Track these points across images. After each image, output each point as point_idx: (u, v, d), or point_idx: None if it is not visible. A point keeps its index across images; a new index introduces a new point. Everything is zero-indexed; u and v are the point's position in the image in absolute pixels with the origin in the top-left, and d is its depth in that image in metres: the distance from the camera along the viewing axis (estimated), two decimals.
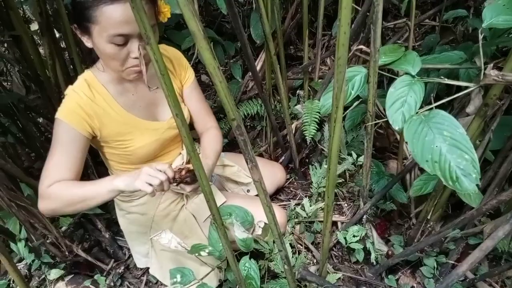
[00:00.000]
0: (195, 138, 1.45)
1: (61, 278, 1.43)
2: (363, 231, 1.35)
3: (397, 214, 1.54)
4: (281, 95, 1.55)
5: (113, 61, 0.99)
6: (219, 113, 2.12)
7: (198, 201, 1.33)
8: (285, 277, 1.26)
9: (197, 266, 1.30)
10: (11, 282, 1.38)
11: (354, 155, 1.53)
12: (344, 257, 1.43)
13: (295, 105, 1.92)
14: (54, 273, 1.40)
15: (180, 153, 1.32)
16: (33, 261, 1.37)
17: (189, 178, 1.06)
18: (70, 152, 1.02)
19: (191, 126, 1.32)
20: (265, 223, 1.27)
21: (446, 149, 0.87)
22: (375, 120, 1.18)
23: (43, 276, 1.44)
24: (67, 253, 1.46)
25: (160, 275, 1.45)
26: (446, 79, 1.02)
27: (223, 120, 2.00)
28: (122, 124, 1.11)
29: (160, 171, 0.95)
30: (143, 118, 1.15)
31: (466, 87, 0.99)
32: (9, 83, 2.25)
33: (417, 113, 0.94)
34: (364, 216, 1.39)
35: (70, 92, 1.06)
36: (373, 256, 1.33)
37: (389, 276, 1.32)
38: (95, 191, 0.98)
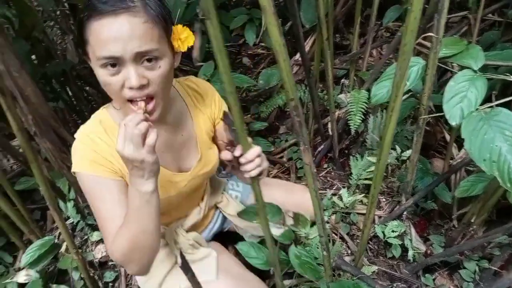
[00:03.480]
0: None
1: (101, 241, 1.49)
2: (403, 227, 1.32)
3: (437, 214, 1.50)
4: (328, 81, 1.53)
5: (109, 92, 0.81)
6: (260, 96, 2.11)
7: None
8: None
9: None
10: (57, 238, 1.45)
11: (398, 150, 1.49)
12: (379, 251, 1.41)
13: (339, 94, 1.89)
14: (96, 235, 1.46)
15: (199, 205, 1.19)
16: (78, 221, 1.44)
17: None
18: (112, 201, 0.87)
19: None
20: (294, 212, 1.24)
21: (506, 149, 0.83)
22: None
23: (85, 237, 1.51)
24: None
25: None
26: None
27: (263, 104, 1.99)
28: None
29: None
30: (164, 166, 0.96)
31: None
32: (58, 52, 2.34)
33: (477, 109, 0.90)
34: (405, 213, 1.36)
35: (83, 137, 0.89)
36: (410, 253, 1.30)
37: (426, 275, 1.29)
38: (132, 209, 0.81)
